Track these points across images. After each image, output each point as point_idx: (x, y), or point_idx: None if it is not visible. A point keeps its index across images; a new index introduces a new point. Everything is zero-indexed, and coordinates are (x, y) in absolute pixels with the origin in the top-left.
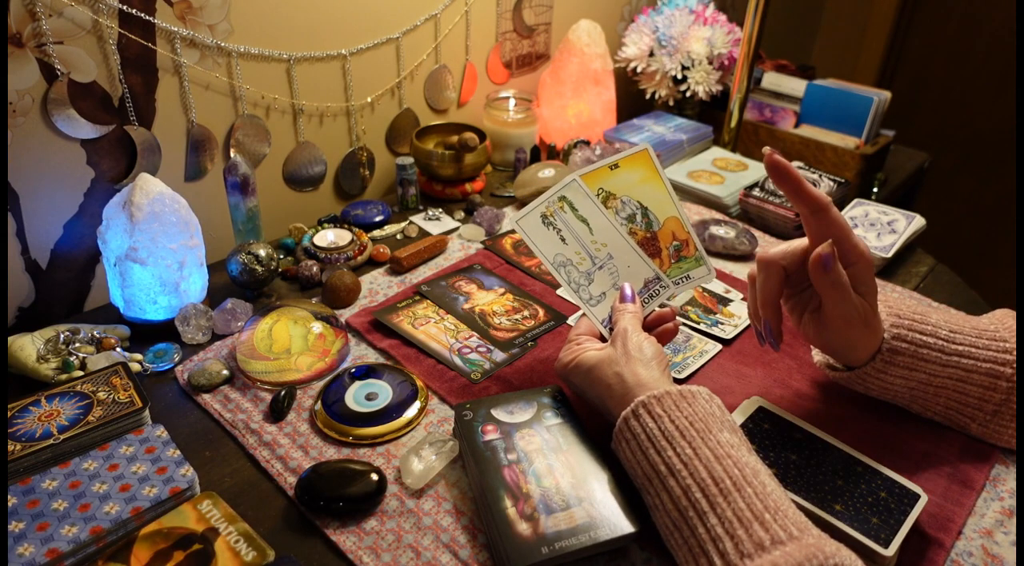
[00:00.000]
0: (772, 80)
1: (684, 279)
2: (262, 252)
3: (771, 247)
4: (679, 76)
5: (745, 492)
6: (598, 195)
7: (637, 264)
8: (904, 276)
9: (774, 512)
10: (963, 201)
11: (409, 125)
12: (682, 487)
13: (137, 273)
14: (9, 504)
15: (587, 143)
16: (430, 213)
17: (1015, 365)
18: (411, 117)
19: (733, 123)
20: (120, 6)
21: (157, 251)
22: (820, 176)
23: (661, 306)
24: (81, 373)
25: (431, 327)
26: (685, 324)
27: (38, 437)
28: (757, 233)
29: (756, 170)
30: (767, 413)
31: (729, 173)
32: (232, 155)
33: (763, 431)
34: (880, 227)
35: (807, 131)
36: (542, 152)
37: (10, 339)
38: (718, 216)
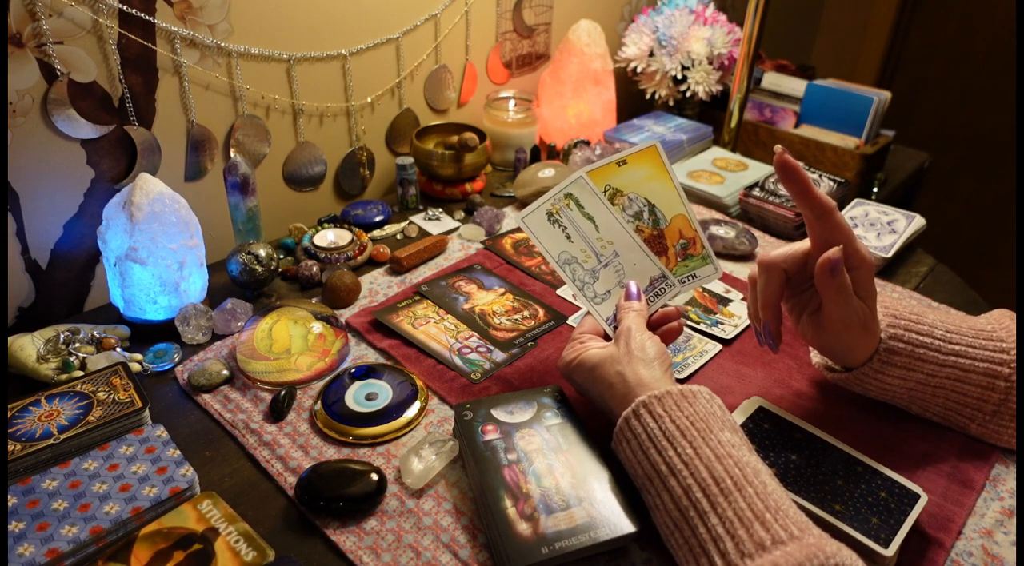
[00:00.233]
0: (772, 80)
1: (690, 278)
2: (262, 252)
3: (772, 249)
4: (679, 76)
5: (746, 492)
6: (605, 192)
7: (643, 262)
8: (904, 276)
9: (775, 512)
10: (963, 201)
11: (409, 125)
12: (683, 487)
13: (137, 273)
14: (9, 504)
15: (587, 143)
16: (430, 213)
17: (1013, 365)
18: (411, 117)
19: (733, 123)
20: (120, 6)
21: (157, 251)
22: (820, 176)
23: (663, 306)
24: (81, 373)
25: (431, 327)
26: (685, 324)
27: (38, 437)
28: (757, 233)
29: (756, 170)
30: (767, 413)
31: (729, 173)
32: (232, 155)
33: (763, 431)
34: (880, 227)
35: (807, 131)
36: (542, 152)
37: (10, 339)
38: (718, 216)
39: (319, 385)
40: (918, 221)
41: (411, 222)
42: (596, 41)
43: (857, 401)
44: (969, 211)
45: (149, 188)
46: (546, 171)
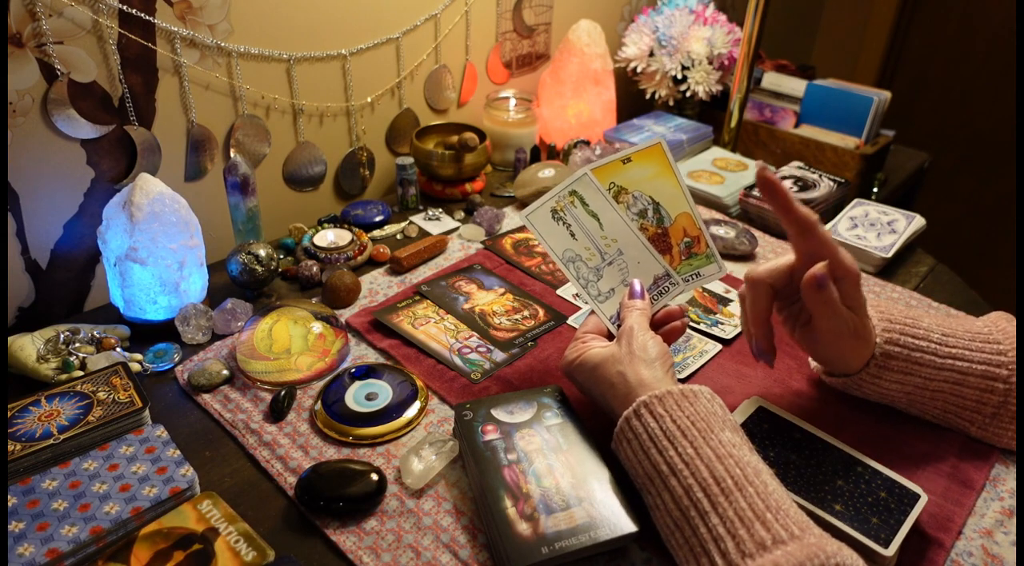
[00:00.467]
0: (772, 80)
1: (694, 276)
2: (262, 252)
3: (762, 262)
4: (679, 76)
5: (747, 491)
6: (609, 189)
7: (647, 260)
8: (904, 276)
9: (775, 511)
10: (963, 201)
11: (409, 125)
12: (684, 487)
13: (137, 273)
14: (9, 504)
15: (587, 143)
16: (430, 213)
17: (1011, 368)
18: (411, 117)
19: (733, 123)
20: (120, 6)
21: (157, 251)
22: (820, 176)
23: (666, 305)
24: (81, 373)
25: (431, 327)
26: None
27: (38, 437)
28: (757, 233)
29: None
30: (767, 413)
31: (729, 173)
32: (232, 155)
33: (763, 431)
34: (880, 227)
35: (807, 131)
36: (542, 152)
37: (10, 339)
38: (718, 216)
39: (319, 385)
40: (918, 221)
41: (411, 222)
42: (596, 41)
43: (857, 401)
44: (969, 211)
45: (149, 188)
46: (546, 171)
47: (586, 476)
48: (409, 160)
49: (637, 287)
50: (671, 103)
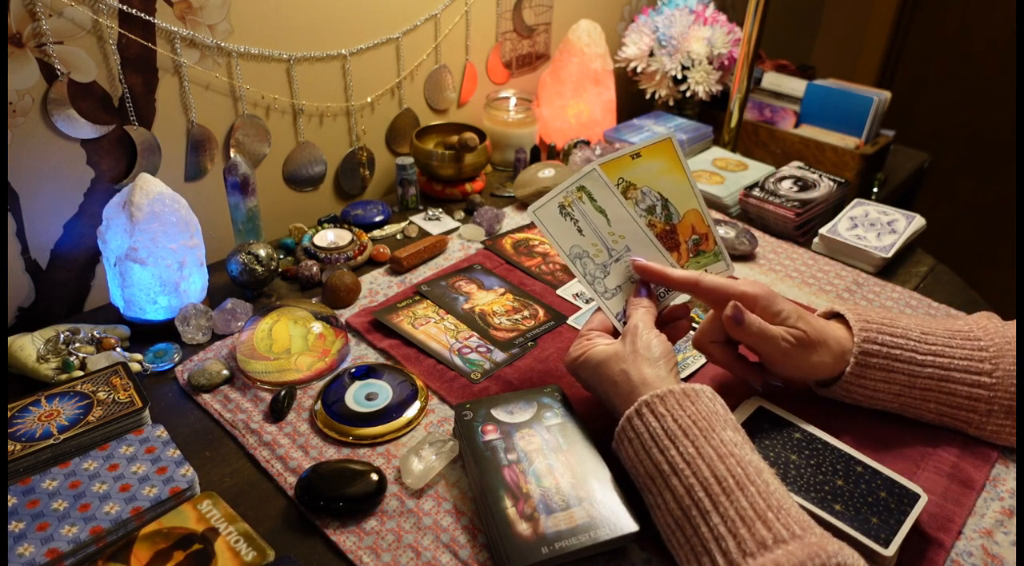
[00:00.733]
0: (772, 80)
1: None
2: (262, 252)
3: (695, 332)
4: (679, 76)
5: (748, 491)
6: (618, 185)
7: (655, 257)
8: (904, 276)
9: (777, 511)
10: (963, 201)
11: (409, 125)
12: (685, 486)
13: (137, 273)
14: (9, 504)
15: (587, 143)
16: (430, 213)
17: (995, 363)
18: (411, 117)
19: (733, 123)
20: (120, 6)
21: (157, 251)
22: (820, 176)
23: (672, 302)
24: (81, 373)
25: (431, 327)
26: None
27: (38, 437)
28: (757, 233)
29: (756, 170)
30: (767, 413)
31: (729, 173)
32: (232, 155)
33: (763, 431)
34: (880, 227)
35: (807, 131)
36: (542, 152)
37: (10, 339)
38: (718, 216)
39: (319, 385)
40: (918, 221)
41: (411, 222)
42: (596, 41)
43: None
44: (969, 211)
45: (149, 188)
46: (546, 171)
47: (586, 476)
48: (409, 160)
49: (643, 285)
50: (671, 103)
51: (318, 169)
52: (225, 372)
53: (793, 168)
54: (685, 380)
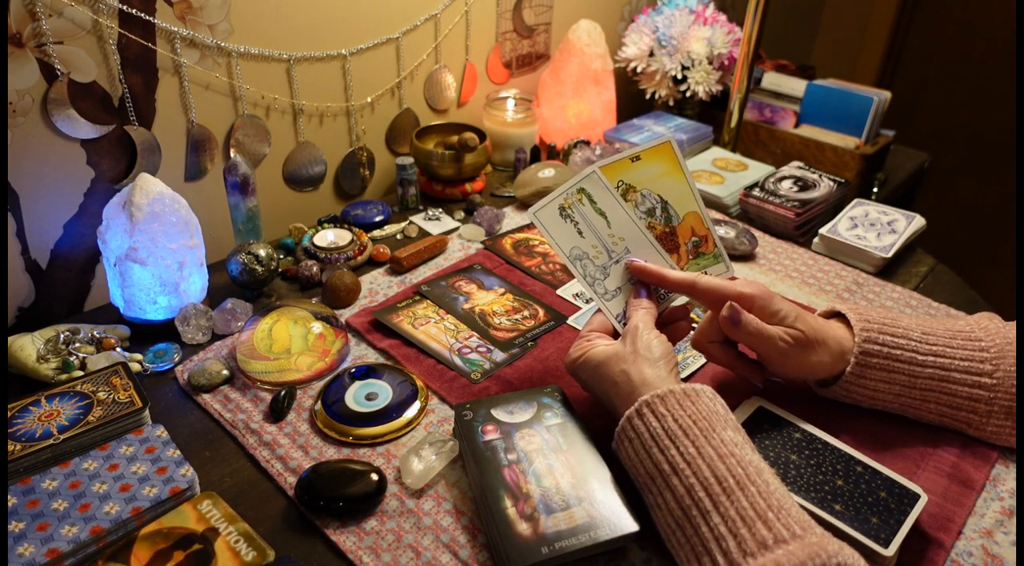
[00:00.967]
0: (772, 80)
1: None
2: (262, 252)
3: (694, 334)
4: (679, 76)
5: (748, 491)
6: (618, 188)
7: (655, 259)
8: (904, 276)
9: (777, 511)
10: (963, 201)
11: (409, 125)
12: (685, 486)
13: (137, 273)
14: (9, 504)
15: (587, 143)
16: (430, 213)
17: (996, 363)
18: (411, 117)
19: (733, 123)
20: (120, 6)
21: (157, 251)
22: (820, 176)
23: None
24: (81, 373)
25: (431, 327)
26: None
27: (38, 437)
28: (757, 233)
29: (756, 170)
30: (767, 413)
31: (729, 173)
32: (232, 155)
33: (763, 431)
34: (880, 227)
35: (807, 131)
36: (542, 152)
37: (10, 339)
38: (718, 216)
39: (319, 385)
40: (918, 221)
41: (411, 222)
42: (596, 41)
43: None
44: (969, 211)
45: (149, 188)
46: (546, 171)
47: (586, 476)
48: (409, 160)
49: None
50: (671, 103)
51: (318, 169)
52: (225, 372)
53: (793, 168)
54: (685, 380)
